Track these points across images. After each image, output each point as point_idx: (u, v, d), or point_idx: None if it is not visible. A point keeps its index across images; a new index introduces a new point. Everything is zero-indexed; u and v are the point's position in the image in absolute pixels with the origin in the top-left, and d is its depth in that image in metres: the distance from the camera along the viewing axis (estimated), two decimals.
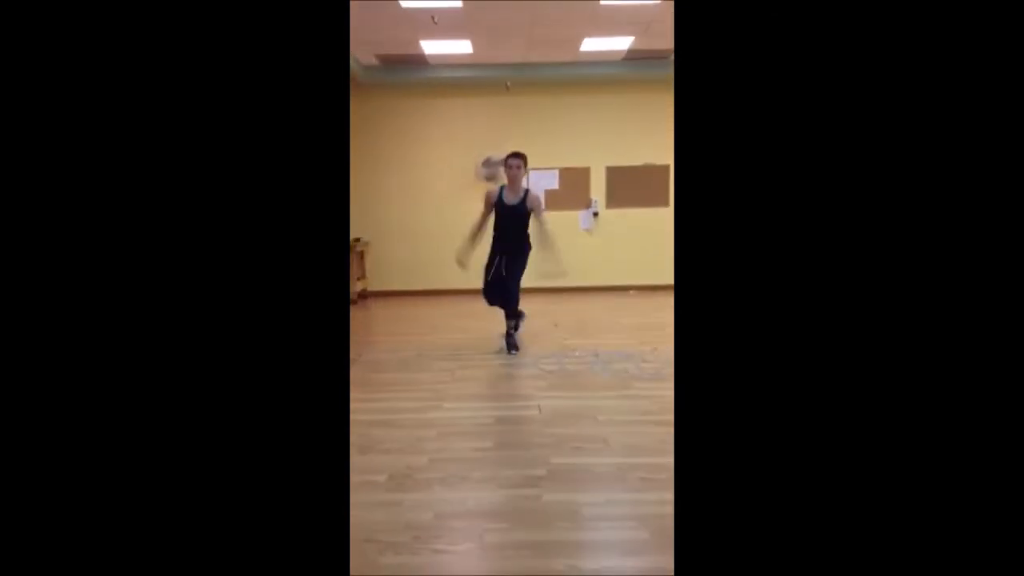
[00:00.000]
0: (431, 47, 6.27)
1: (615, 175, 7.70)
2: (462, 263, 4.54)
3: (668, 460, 2.52)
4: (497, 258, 4.51)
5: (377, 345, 4.94)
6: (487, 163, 7.49)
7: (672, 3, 5.06)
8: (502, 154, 7.37)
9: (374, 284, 7.65)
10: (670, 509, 2.12)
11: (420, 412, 3.20)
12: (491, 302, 4.60)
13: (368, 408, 3.24)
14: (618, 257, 7.74)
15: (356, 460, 2.57)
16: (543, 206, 4.57)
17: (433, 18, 5.31)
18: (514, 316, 4.57)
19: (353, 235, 7.36)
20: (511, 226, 4.44)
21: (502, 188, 4.50)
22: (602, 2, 5.06)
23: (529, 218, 4.47)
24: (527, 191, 4.48)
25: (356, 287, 7.16)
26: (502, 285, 4.45)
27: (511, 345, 4.51)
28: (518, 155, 4.52)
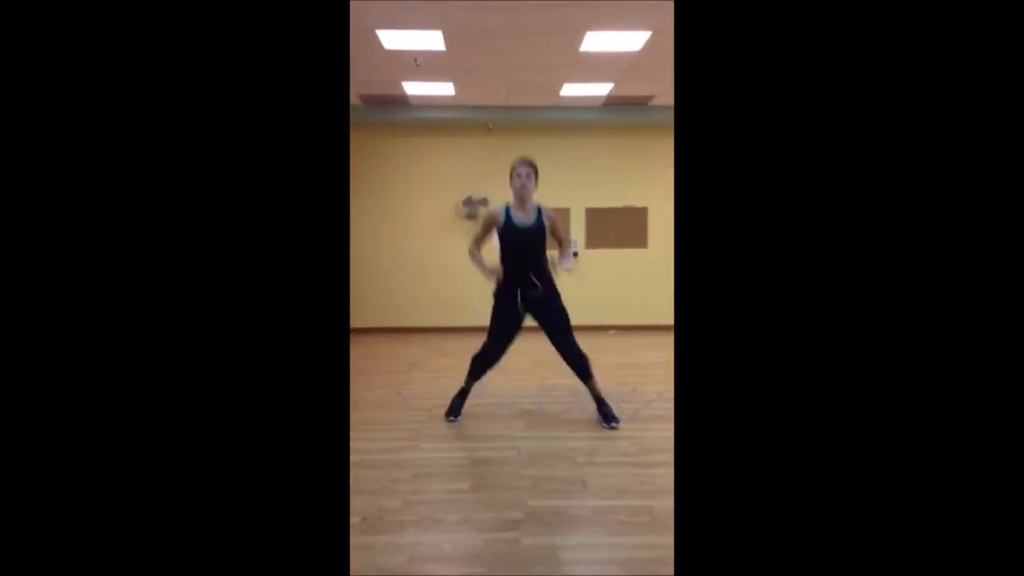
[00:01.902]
0: (413, 88, 6.37)
1: (595, 216, 7.80)
2: (487, 268, 3.55)
3: (647, 502, 2.48)
4: (516, 299, 3.46)
5: (353, 383, 4.85)
6: (468, 202, 7.55)
7: (649, 53, 5.22)
8: (482, 194, 7.48)
9: (352, 321, 7.57)
10: (649, 553, 2.08)
11: (395, 452, 3.13)
12: (493, 359, 3.58)
13: None
14: (598, 297, 7.78)
15: None
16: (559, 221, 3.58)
17: (416, 61, 5.41)
18: (587, 372, 3.57)
19: None
20: (528, 254, 3.45)
21: (507, 207, 3.49)
22: (581, 50, 5.20)
23: (546, 239, 3.49)
24: (539, 207, 3.51)
25: None
26: (561, 332, 3.51)
27: (608, 415, 3.53)
28: (526, 162, 3.47)
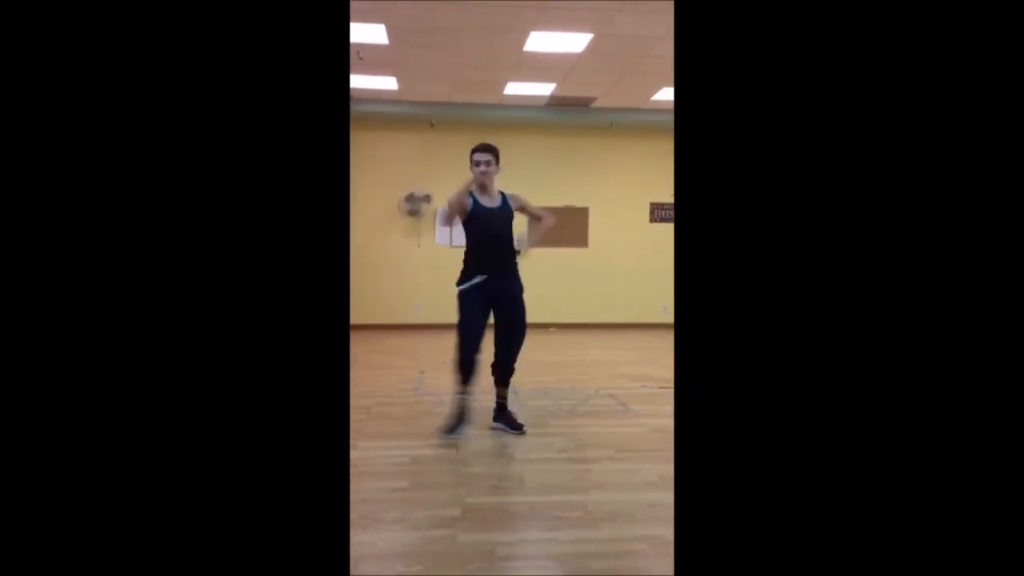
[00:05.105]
0: (356, 81, 6.28)
1: None
2: (456, 203, 3.27)
3: (582, 498, 2.54)
4: (480, 293, 3.27)
5: None
6: (410, 198, 7.49)
7: (591, 55, 5.31)
8: (424, 190, 7.43)
9: None
10: (584, 547, 2.13)
11: None
12: (466, 369, 3.29)
13: None
14: (538, 295, 7.82)
15: None
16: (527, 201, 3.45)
17: (359, 54, 5.33)
18: (507, 380, 3.44)
19: None
20: (500, 235, 3.32)
21: (472, 194, 3.32)
22: (525, 49, 5.24)
23: (512, 224, 3.37)
24: (503, 192, 3.39)
25: None
26: (516, 334, 3.37)
27: (512, 423, 3.40)
28: (487, 148, 3.29)
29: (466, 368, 3.31)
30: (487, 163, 3.27)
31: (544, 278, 8.00)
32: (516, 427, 3.41)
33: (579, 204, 7.88)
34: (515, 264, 3.43)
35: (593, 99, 6.91)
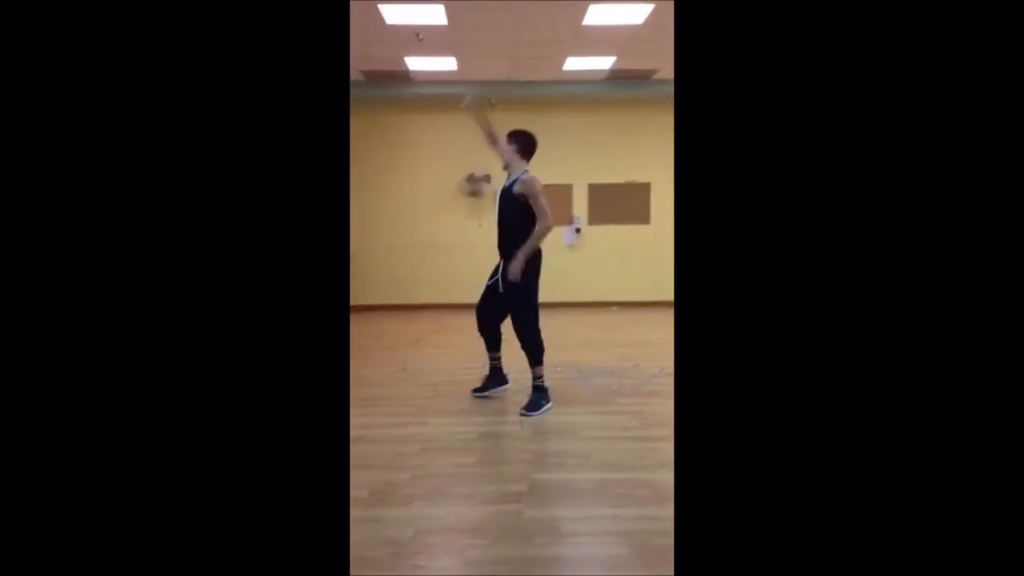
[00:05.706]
0: (415, 63, 6.33)
1: (597, 192, 7.78)
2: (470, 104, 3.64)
3: (648, 476, 2.54)
4: (498, 269, 3.51)
5: (358, 360, 4.92)
6: (471, 179, 7.53)
7: (651, 26, 5.17)
8: (485, 170, 7.46)
9: (355, 298, 7.62)
10: (650, 525, 2.14)
11: (402, 427, 3.19)
12: (484, 336, 3.68)
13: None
14: (600, 273, 7.80)
15: None
16: (539, 194, 3.33)
17: (418, 35, 5.37)
18: (537, 357, 3.48)
19: None
20: (502, 220, 3.44)
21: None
22: (584, 23, 5.15)
23: (523, 210, 3.36)
24: (520, 176, 3.40)
25: None
26: (512, 315, 3.47)
27: (528, 404, 3.42)
28: (511, 135, 3.51)
29: (484, 335, 3.69)
30: (509, 152, 3.50)
31: (605, 256, 7.94)
32: (527, 409, 3.39)
33: (640, 180, 7.74)
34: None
35: (654, 71, 6.74)
